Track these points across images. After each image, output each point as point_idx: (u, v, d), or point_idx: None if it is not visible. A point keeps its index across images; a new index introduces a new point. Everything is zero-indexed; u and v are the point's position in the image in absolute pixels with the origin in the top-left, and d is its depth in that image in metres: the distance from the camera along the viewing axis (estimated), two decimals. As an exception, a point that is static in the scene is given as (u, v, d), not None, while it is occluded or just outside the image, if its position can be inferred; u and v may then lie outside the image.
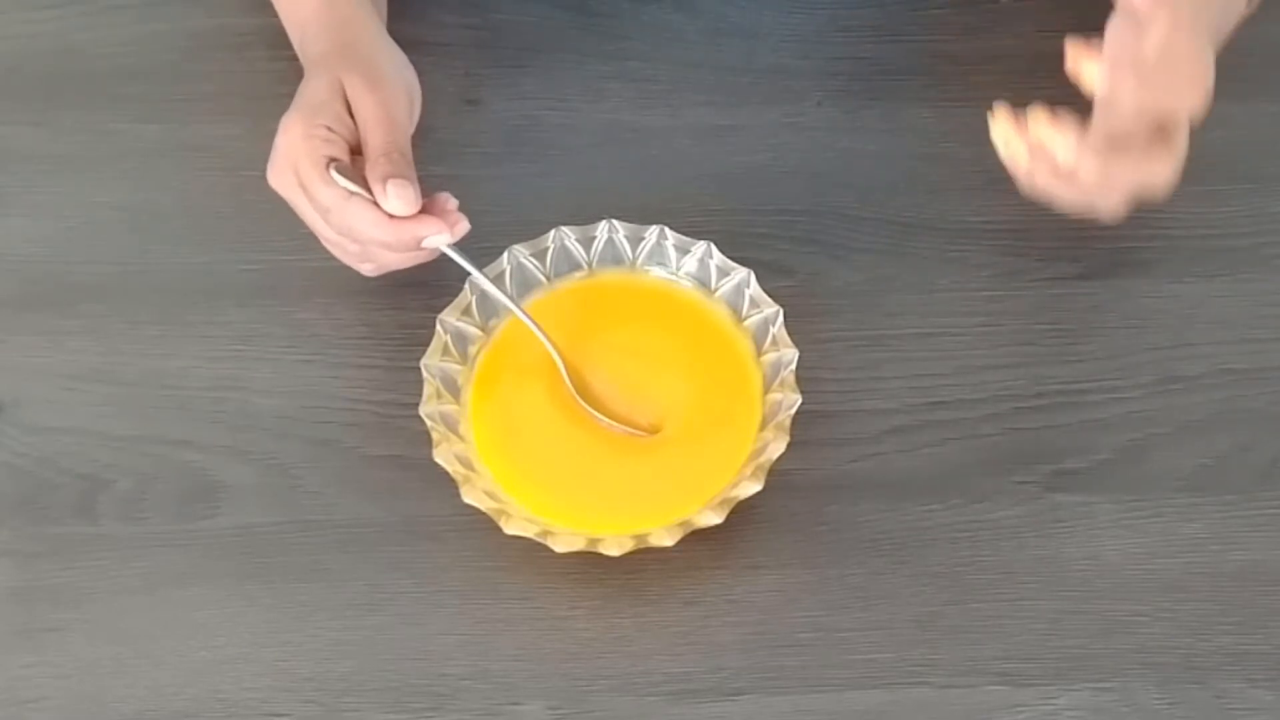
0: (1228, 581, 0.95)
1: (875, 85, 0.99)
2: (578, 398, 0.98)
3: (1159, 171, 0.93)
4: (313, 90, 1.00)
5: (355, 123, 0.98)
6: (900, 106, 1.02)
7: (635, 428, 0.98)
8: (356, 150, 0.98)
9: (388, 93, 0.99)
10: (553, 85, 1.12)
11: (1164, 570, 0.96)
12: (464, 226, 0.97)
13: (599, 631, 0.95)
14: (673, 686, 0.93)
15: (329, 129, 0.98)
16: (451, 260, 0.98)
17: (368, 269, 1.01)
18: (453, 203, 0.98)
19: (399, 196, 0.95)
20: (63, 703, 0.94)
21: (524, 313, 0.99)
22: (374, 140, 0.98)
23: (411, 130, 1.01)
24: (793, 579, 0.96)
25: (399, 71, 1.02)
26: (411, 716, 0.93)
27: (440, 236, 0.97)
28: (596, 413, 0.98)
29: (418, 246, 0.97)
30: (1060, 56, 1.06)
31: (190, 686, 0.94)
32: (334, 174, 0.96)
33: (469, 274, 0.99)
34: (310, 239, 1.04)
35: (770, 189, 1.07)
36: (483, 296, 1.01)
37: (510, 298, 0.99)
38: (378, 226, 0.96)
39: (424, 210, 0.97)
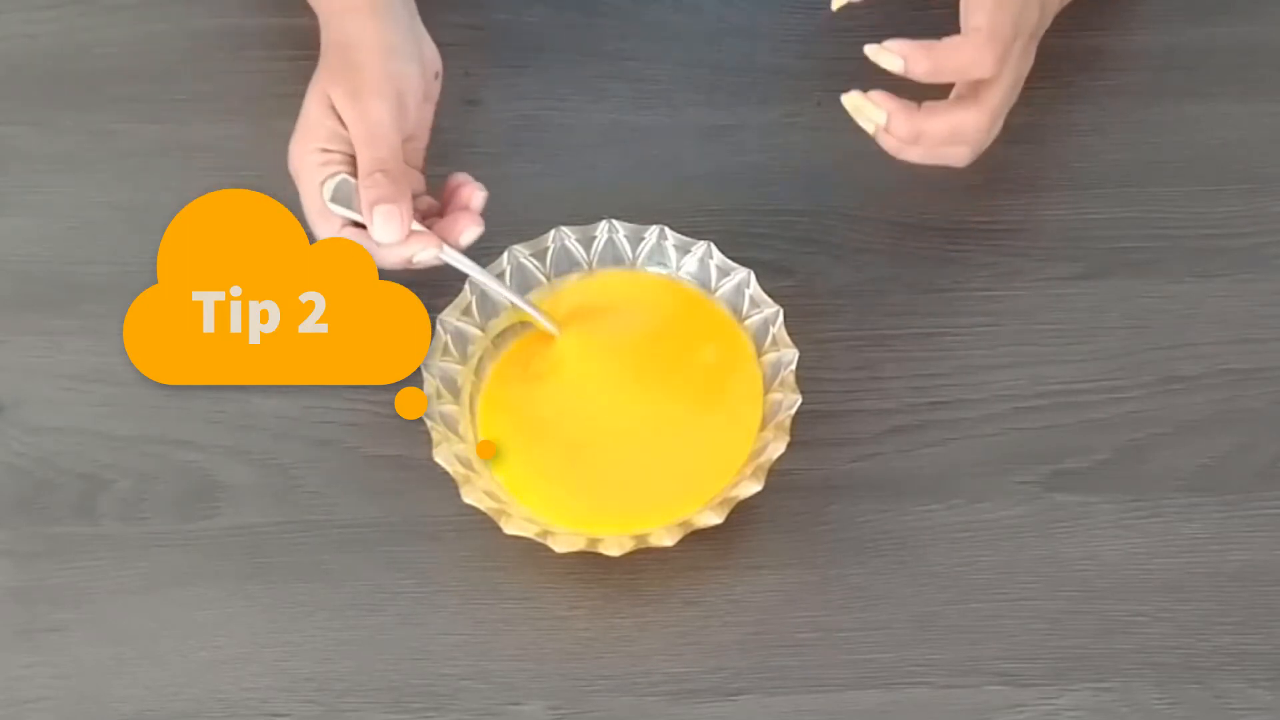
0: (1228, 581, 0.95)
1: (875, 85, 0.99)
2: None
3: (968, 121, 0.98)
4: (305, 107, 0.99)
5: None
6: (900, 106, 1.02)
7: None
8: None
9: (370, 103, 0.98)
10: (553, 85, 1.12)
11: (1164, 570, 0.96)
12: (473, 232, 0.98)
13: (599, 631, 0.95)
14: (673, 686, 0.93)
15: (324, 150, 0.98)
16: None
17: None
18: (478, 199, 0.98)
19: (384, 225, 0.96)
20: (63, 703, 0.94)
21: (525, 301, 0.99)
22: (361, 160, 0.97)
23: (414, 128, 1.00)
24: (793, 579, 0.96)
25: (387, 72, 0.99)
26: (411, 716, 0.93)
27: (427, 252, 0.97)
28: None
29: (410, 265, 0.97)
30: (1056, 56, 1.06)
31: (190, 686, 0.94)
32: (330, 205, 0.97)
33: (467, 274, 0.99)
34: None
35: (770, 189, 1.07)
36: (483, 296, 1.01)
37: (508, 289, 0.99)
38: (375, 254, 0.96)
39: (447, 201, 0.99)
